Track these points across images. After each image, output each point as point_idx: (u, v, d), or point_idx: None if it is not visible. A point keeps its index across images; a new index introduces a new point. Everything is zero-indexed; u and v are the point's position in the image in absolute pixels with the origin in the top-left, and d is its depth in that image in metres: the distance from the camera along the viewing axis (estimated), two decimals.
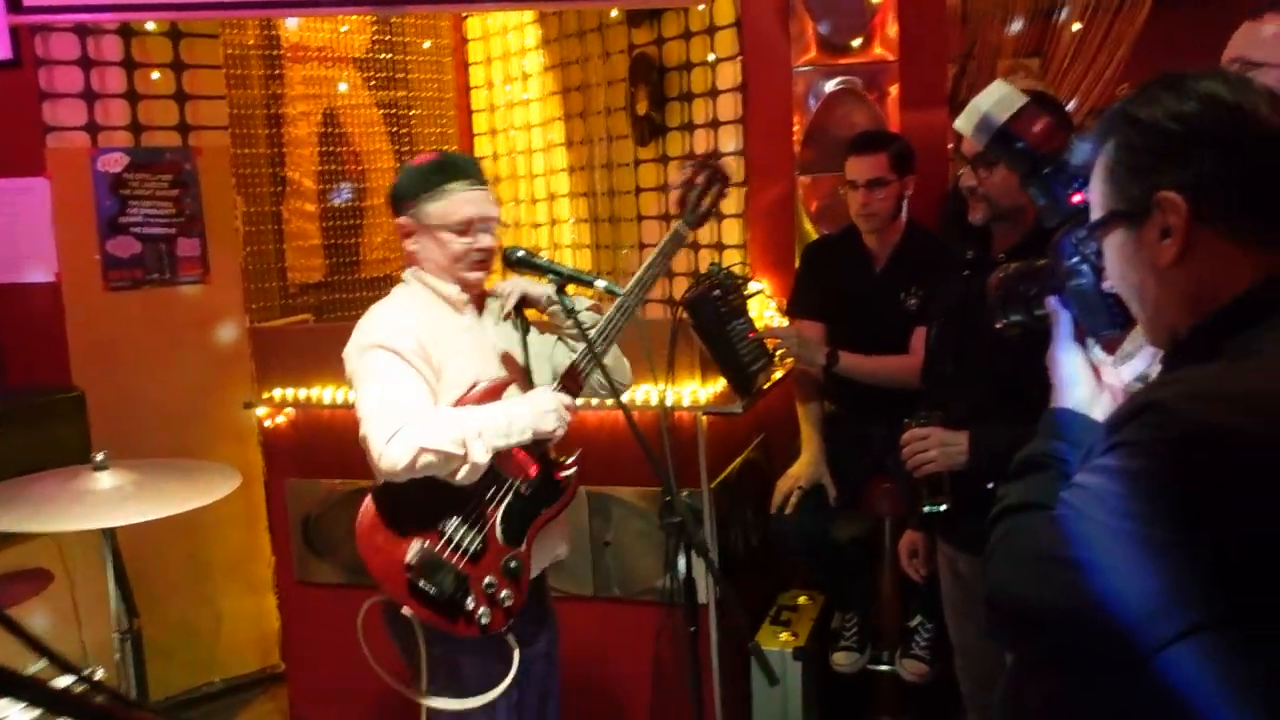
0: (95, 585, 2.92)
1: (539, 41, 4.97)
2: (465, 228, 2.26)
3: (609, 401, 2.38)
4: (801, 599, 3.57)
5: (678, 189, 2.54)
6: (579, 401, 2.34)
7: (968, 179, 2.24)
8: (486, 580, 2.24)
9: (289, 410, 3.59)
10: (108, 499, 2.56)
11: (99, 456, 2.65)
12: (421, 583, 2.18)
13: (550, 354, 2.48)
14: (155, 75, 4.01)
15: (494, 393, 2.27)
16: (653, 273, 2.44)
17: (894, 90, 3.68)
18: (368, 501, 2.25)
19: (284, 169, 4.63)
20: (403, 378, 2.19)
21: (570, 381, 2.33)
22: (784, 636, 3.32)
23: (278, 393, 3.58)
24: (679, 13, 4.15)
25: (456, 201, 2.25)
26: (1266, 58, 1.78)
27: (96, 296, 3.92)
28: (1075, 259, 1.38)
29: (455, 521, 2.22)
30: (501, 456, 2.22)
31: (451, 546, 2.21)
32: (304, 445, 3.57)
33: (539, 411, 2.22)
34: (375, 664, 2.30)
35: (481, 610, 2.22)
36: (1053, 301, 1.42)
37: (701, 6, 3.96)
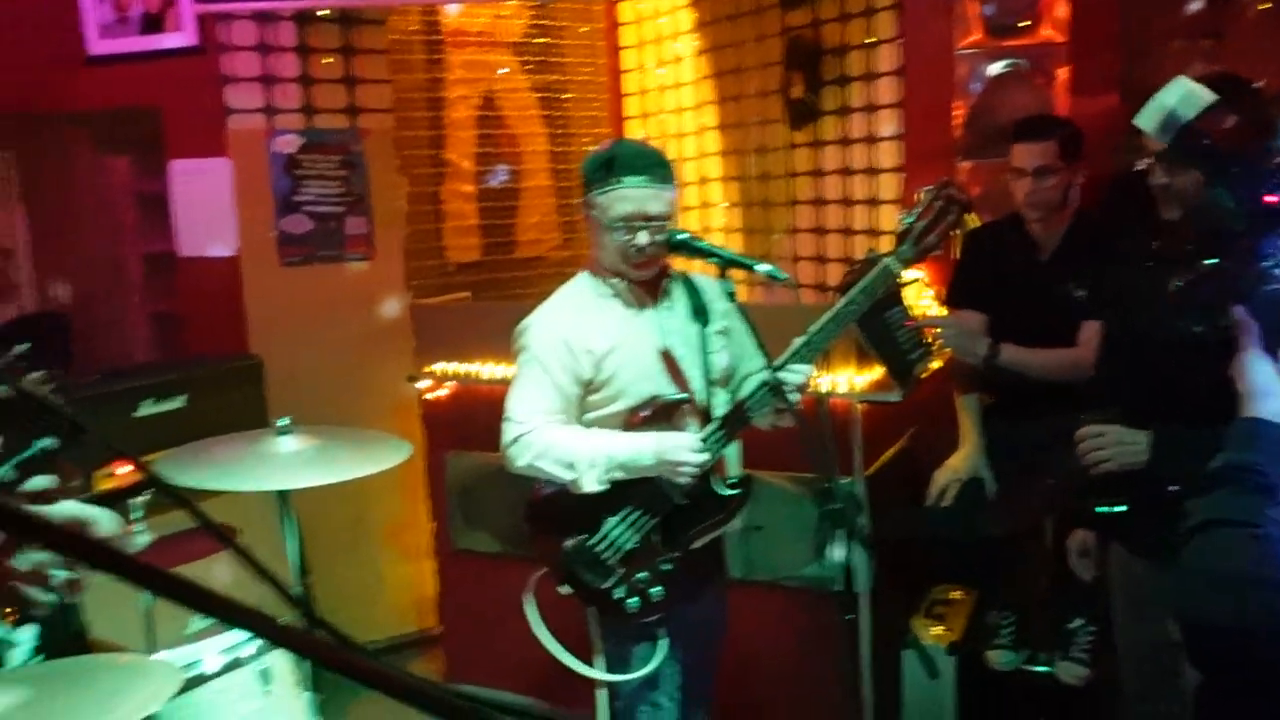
0: (270, 545, 3.08)
1: (693, 25, 4.98)
2: (624, 225, 2.27)
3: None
4: (955, 593, 3.50)
5: (904, 220, 2.29)
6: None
7: (1159, 176, 2.14)
8: (639, 575, 2.31)
9: (449, 384, 3.71)
10: (288, 462, 2.70)
11: (282, 422, 2.77)
12: (574, 569, 2.30)
13: (726, 346, 2.44)
14: (326, 60, 4.18)
15: (664, 413, 2.31)
16: (853, 309, 2.26)
17: (1062, 73, 3.55)
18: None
19: (444, 151, 4.78)
20: (539, 385, 2.31)
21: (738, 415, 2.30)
22: (937, 631, 3.27)
23: (438, 367, 3.71)
24: None
25: (617, 197, 2.27)
26: None
27: (272, 271, 4.12)
28: (1272, 264, 1.32)
29: (614, 520, 2.31)
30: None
31: (606, 542, 2.30)
32: (463, 419, 3.68)
33: (665, 463, 2.25)
34: (546, 635, 2.42)
35: (631, 600, 2.30)
36: (1240, 310, 1.37)
37: None
